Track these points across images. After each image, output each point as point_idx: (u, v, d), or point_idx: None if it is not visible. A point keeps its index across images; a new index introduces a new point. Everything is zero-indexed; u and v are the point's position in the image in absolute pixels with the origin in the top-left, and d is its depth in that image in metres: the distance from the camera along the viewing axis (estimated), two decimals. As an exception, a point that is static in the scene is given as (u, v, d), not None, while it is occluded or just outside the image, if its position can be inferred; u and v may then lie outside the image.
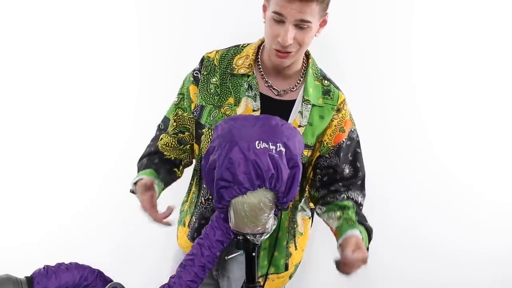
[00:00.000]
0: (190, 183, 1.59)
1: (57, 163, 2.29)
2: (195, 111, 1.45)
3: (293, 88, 1.42)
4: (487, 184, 2.33)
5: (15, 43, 2.20)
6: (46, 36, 2.19)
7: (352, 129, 1.49)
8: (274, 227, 1.17)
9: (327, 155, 1.46)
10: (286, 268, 1.53)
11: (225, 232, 1.21)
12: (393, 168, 2.33)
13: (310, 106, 1.41)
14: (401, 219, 2.37)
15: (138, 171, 1.45)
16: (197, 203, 1.51)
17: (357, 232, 1.36)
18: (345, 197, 1.48)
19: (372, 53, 2.22)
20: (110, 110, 2.22)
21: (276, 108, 1.40)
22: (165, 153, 1.48)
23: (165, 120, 1.53)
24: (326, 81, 1.47)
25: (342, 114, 1.45)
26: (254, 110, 1.38)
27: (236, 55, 1.44)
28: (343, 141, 1.46)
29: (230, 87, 1.41)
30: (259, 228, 1.13)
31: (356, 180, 1.53)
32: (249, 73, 1.40)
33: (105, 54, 2.19)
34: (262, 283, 1.34)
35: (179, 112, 1.49)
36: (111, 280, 1.21)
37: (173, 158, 1.49)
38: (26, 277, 1.11)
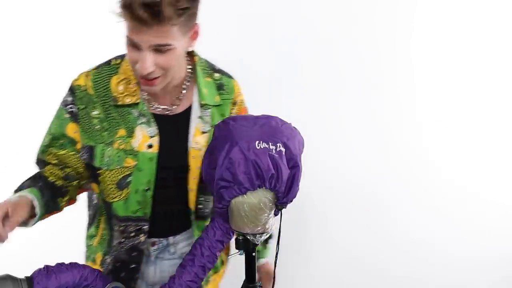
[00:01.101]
0: (97, 218, 1.39)
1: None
2: (84, 153, 1.26)
3: (180, 96, 1.30)
4: (485, 186, 2.34)
5: (14, 43, 2.20)
6: (46, 36, 2.19)
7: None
8: (273, 227, 1.17)
9: None
10: (222, 263, 1.49)
11: (225, 232, 1.21)
12: (392, 169, 2.33)
13: (209, 110, 1.31)
14: (399, 221, 2.38)
15: (17, 189, 1.21)
16: (110, 243, 1.36)
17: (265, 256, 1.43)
18: None
19: (372, 54, 2.23)
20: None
21: (174, 124, 1.29)
22: (50, 178, 1.24)
23: (38, 158, 1.34)
24: (216, 74, 1.36)
25: (239, 105, 1.40)
26: (151, 136, 1.25)
27: (112, 75, 1.25)
28: None
29: (118, 118, 1.24)
30: (259, 228, 1.13)
31: None
32: (137, 101, 1.24)
33: (104, 54, 2.19)
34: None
35: (54, 151, 1.28)
36: (111, 280, 1.21)
37: (59, 184, 1.25)
38: (26, 277, 1.11)
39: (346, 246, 2.41)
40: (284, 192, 1.12)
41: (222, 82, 1.37)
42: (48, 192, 1.21)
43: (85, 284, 1.15)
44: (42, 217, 1.19)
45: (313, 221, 2.42)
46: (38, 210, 1.15)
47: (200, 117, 1.31)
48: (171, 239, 1.39)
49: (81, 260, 1.30)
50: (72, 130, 1.27)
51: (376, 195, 2.37)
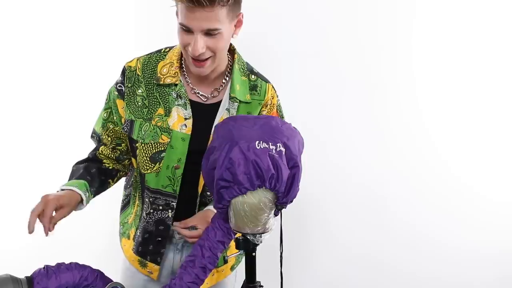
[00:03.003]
0: (133, 194, 1.52)
1: (55, 163, 2.28)
2: (125, 126, 1.40)
3: (219, 89, 1.39)
4: (488, 183, 2.34)
5: (13, 42, 2.20)
6: (45, 36, 2.19)
7: None
8: (273, 227, 1.17)
9: None
10: (225, 261, 1.51)
11: (226, 233, 1.21)
12: (394, 167, 2.33)
13: (237, 103, 1.38)
14: (401, 218, 2.38)
15: (72, 175, 1.40)
16: (141, 217, 1.47)
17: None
18: None
19: (373, 53, 2.22)
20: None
21: (207, 112, 1.38)
22: (104, 161, 1.45)
23: (96, 133, 1.48)
24: (253, 76, 1.43)
25: (270, 108, 1.45)
26: (186, 119, 1.35)
27: (159, 61, 1.38)
28: None
29: (158, 97, 1.36)
30: (259, 228, 1.13)
31: None
32: (176, 82, 1.35)
33: (104, 54, 2.19)
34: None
35: (110, 126, 1.43)
36: (111, 280, 1.21)
37: (111, 167, 1.45)
38: (26, 277, 1.11)
39: (348, 245, 2.41)
40: (284, 192, 1.12)
41: (256, 84, 1.43)
42: (99, 179, 1.39)
43: (85, 284, 1.16)
44: (88, 202, 1.35)
45: (314, 221, 2.42)
46: (85, 202, 1.32)
47: (227, 109, 1.38)
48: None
49: (81, 260, 1.30)
50: (120, 105, 1.40)
51: (377, 194, 2.36)
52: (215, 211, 1.34)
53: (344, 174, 2.35)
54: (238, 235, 1.22)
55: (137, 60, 1.39)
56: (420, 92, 2.26)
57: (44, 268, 1.14)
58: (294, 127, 1.22)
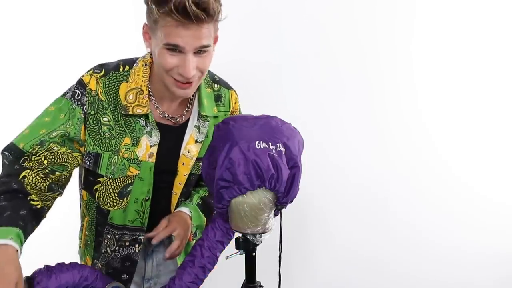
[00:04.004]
0: (81, 222, 1.40)
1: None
2: (88, 160, 1.23)
3: (188, 108, 1.33)
4: (488, 184, 2.34)
5: (13, 42, 2.20)
6: (45, 37, 2.19)
7: None
8: (273, 227, 1.17)
9: None
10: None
11: (225, 233, 1.21)
12: (394, 167, 2.33)
13: (207, 123, 1.33)
14: (401, 219, 2.38)
15: None
16: (98, 249, 1.35)
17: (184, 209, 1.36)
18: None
19: (373, 53, 2.22)
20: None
21: (175, 134, 1.31)
22: (32, 197, 1.15)
23: (16, 150, 1.18)
24: (216, 85, 1.38)
25: (232, 114, 1.42)
26: (151, 146, 1.26)
27: (120, 82, 1.24)
28: None
29: (124, 126, 1.24)
30: (259, 228, 1.13)
31: None
32: (147, 112, 1.24)
33: (103, 54, 2.19)
34: None
35: (54, 147, 1.18)
36: (111, 280, 1.21)
37: (40, 206, 1.16)
38: (26, 277, 1.11)
39: (348, 246, 2.41)
40: (284, 192, 1.12)
41: (220, 94, 1.39)
42: (31, 225, 1.12)
43: (85, 284, 1.15)
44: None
45: (314, 222, 2.42)
46: (20, 252, 1.06)
47: (197, 127, 1.33)
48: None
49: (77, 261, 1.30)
50: (83, 131, 1.23)
51: (377, 194, 2.37)
52: (188, 213, 1.35)
53: (344, 174, 2.35)
54: (237, 235, 1.22)
55: (96, 81, 1.22)
56: (420, 92, 2.26)
57: (44, 268, 1.14)
58: (294, 127, 1.21)
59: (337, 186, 2.36)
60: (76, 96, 1.22)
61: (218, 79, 1.41)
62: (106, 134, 1.23)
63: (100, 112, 1.22)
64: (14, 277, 0.98)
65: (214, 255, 1.21)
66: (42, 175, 1.18)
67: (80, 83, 1.22)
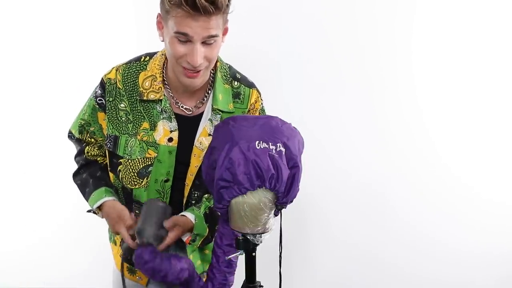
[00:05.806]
0: None
1: (52, 166, 2.28)
2: (108, 142, 1.38)
3: (204, 100, 1.38)
4: (488, 184, 2.34)
5: (13, 42, 2.20)
6: (45, 37, 2.19)
7: None
8: (273, 227, 1.17)
9: None
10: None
11: (232, 234, 1.21)
12: (394, 167, 2.33)
13: (219, 115, 1.37)
14: (401, 219, 2.38)
15: (83, 188, 1.43)
16: None
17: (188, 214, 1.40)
18: None
19: (373, 53, 2.22)
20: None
21: (191, 124, 1.37)
22: (98, 159, 1.46)
23: (72, 134, 1.46)
24: (236, 82, 1.40)
25: (252, 113, 1.43)
26: (171, 131, 1.34)
27: (140, 72, 1.34)
28: None
29: (143, 112, 1.34)
30: (259, 228, 1.13)
31: None
32: (160, 98, 1.33)
33: (103, 54, 2.19)
34: (203, 280, 1.35)
35: (89, 130, 1.42)
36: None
37: (105, 162, 1.45)
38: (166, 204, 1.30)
39: (348, 246, 2.41)
40: (284, 192, 1.12)
41: (239, 92, 1.41)
42: (108, 176, 1.42)
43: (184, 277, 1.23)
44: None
45: (314, 221, 2.42)
46: (117, 199, 1.39)
47: (210, 120, 1.37)
48: None
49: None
50: (101, 117, 1.38)
51: (377, 194, 2.36)
52: (192, 220, 1.37)
53: (344, 174, 2.35)
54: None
55: (116, 71, 1.35)
56: (420, 92, 2.26)
57: (153, 248, 1.24)
58: (294, 127, 1.21)
59: (337, 186, 2.35)
60: (96, 94, 1.38)
61: (240, 77, 1.43)
62: (123, 118, 1.35)
63: (117, 99, 1.35)
64: (127, 214, 1.32)
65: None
66: (98, 146, 1.45)
67: (101, 79, 1.37)
